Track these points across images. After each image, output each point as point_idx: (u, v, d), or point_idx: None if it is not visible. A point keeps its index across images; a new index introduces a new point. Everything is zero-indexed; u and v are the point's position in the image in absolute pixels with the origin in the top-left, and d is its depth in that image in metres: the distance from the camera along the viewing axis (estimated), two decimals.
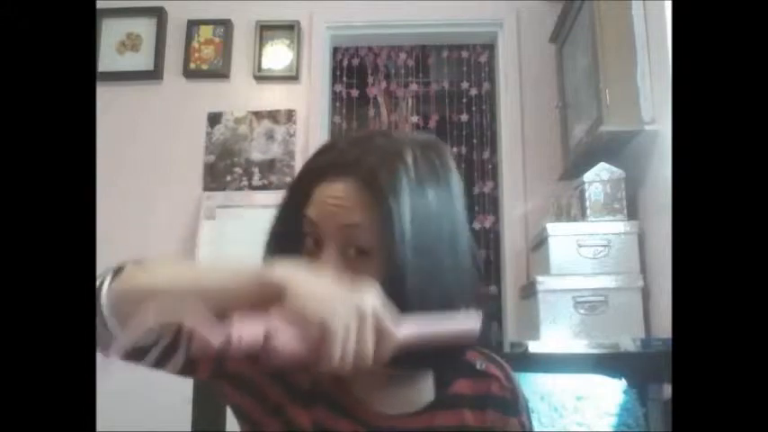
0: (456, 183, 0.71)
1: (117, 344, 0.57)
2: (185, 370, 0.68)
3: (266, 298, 0.55)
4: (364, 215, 0.65)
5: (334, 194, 0.67)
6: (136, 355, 0.64)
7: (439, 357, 0.67)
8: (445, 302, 0.65)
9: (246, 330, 0.52)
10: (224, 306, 0.56)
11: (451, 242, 0.68)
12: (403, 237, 0.64)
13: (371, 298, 0.56)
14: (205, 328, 0.52)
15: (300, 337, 0.53)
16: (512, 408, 0.76)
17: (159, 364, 0.67)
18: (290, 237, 0.70)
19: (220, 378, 0.71)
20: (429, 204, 0.67)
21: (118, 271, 0.63)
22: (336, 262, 0.65)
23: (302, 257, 0.69)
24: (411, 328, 0.58)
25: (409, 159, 0.67)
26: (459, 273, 0.68)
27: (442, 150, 0.71)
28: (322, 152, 0.72)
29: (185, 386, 0.96)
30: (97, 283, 0.62)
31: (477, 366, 0.77)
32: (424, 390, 0.74)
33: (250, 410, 0.72)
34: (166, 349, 0.66)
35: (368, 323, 0.55)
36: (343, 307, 0.55)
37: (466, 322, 0.62)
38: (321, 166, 0.70)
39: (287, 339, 0.53)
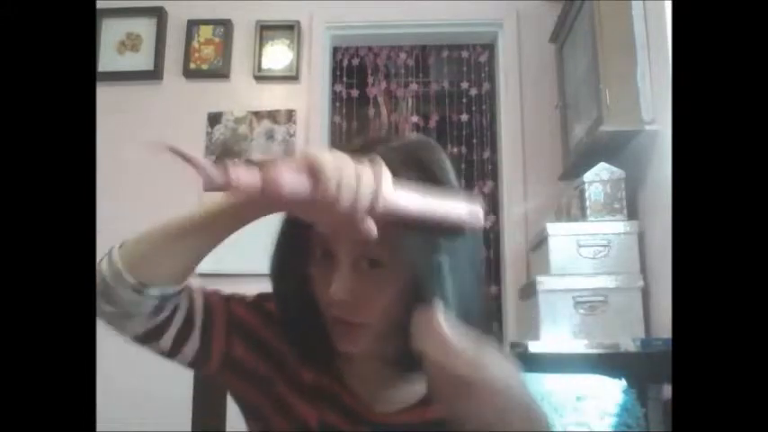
0: (456, 180, 0.70)
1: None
2: (198, 357, 0.71)
3: None
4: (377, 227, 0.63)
5: None
6: (153, 335, 0.68)
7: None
8: (460, 307, 0.64)
9: (244, 173, 0.55)
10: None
11: (461, 244, 0.67)
12: (419, 247, 0.63)
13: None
14: (209, 169, 0.55)
15: (297, 177, 0.55)
16: None
17: (175, 347, 0.69)
18: (297, 249, 0.69)
19: (228, 368, 0.73)
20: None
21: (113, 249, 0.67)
22: (350, 275, 0.65)
23: (312, 268, 0.69)
24: (411, 199, 0.59)
25: (421, 165, 0.67)
26: (471, 276, 0.68)
27: (439, 150, 0.71)
28: None
29: (184, 388, 0.96)
30: (99, 262, 0.65)
31: None
32: (419, 386, 0.74)
33: (258, 404, 0.74)
34: (181, 330, 0.69)
35: (363, 169, 0.56)
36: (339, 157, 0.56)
37: (471, 208, 0.62)
38: None
39: (284, 177, 0.54)
